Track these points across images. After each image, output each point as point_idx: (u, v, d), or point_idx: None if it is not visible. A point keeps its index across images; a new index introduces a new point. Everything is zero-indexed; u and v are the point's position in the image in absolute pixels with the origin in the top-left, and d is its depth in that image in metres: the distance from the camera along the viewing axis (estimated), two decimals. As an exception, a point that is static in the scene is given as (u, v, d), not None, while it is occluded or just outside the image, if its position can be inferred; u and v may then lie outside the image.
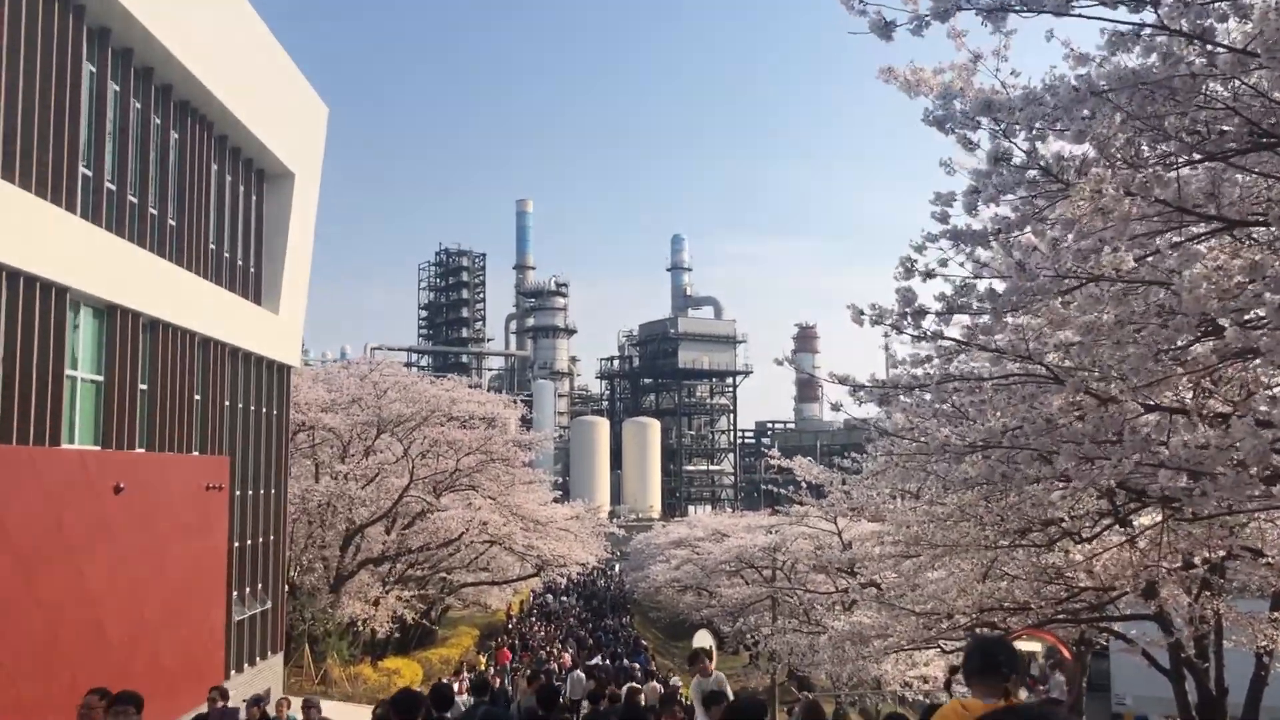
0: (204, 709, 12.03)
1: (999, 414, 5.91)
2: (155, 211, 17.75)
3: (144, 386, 17.15)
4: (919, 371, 5.93)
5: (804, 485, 20.66)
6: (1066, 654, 9.30)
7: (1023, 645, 10.57)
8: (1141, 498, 9.72)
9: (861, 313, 5.51)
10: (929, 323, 5.04)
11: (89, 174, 15.49)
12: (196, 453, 19.17)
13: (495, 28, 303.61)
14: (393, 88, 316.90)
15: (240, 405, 21.59)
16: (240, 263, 21.78)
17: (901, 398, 6.30)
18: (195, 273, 19.02)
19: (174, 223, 18.51)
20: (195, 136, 19.31)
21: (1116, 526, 9.73)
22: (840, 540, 20.66)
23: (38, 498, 13.21)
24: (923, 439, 7.18)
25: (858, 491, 16.01)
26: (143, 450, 17.00)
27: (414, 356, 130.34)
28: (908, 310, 4.97)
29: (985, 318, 5.22)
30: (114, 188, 16.27)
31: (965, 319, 5.48)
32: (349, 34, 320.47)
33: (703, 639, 22.76)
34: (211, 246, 20.17)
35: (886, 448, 9.24)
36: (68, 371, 14.63)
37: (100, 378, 15.80)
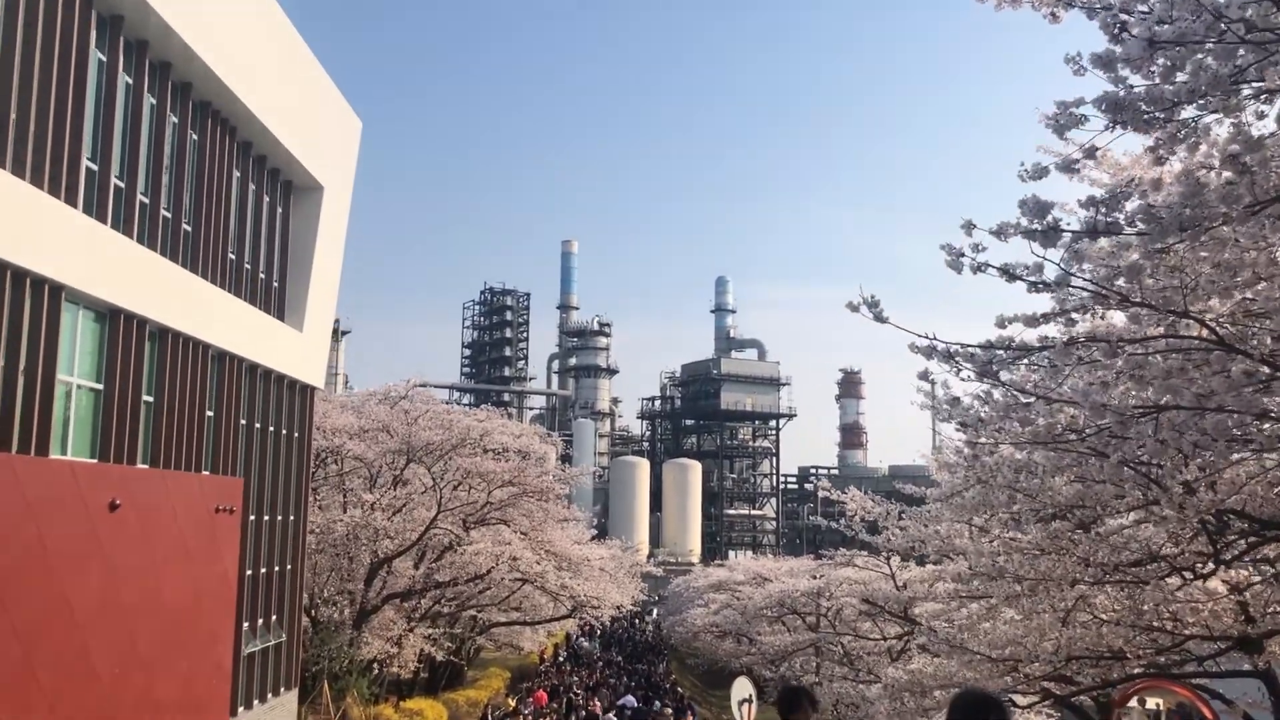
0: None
1: (1130, 391, 4.51)
2: (169, 214, 16.80)
3: (149, 398, 16.09)
4: (1030, 336, 4.55)
5: (855, 526, 18.97)
6: (1209, 714, 7.78)
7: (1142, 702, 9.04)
8: (1263, 530, 8.20)
9: (960, 255, 4.17)
10: (1058, 255, 3.67)
11: (94, 168, 14.56)
12: (207, 472, 18.07)
13: (534, 77, 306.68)
14: (438, 129, 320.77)
15: (258, 425, 20.52)
16: (262, 276, 20.82)
17: (1000, 377, 4.90)
18: (211, 282, 18.04)
19: (189, 228, 17.57)
20: (216, 140, 18.42)
21: (1235, 562, 8.22)
22: (894, 581, 19.07)
23: (16, 510, 12.08)
24: (1029, 425, 5.75)
25: (916, 527, 14.52)
26: (145, 466, 15.90)
27: (456, 394, 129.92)
28: (1036, 227, 3.61)
29: (1133, 255, 3.84)
30: (122, 185, 15.34)
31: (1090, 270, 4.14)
32: (389, 73, 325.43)
33: (743, 687, 21.15)
34: (231, 256, 19.21)
35: (970, 458, 7.80)
36: (61, 376, 13.59)
37: (99, 386, 14.75)
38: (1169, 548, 9.31)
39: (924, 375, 4.95)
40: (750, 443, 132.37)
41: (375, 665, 29.90)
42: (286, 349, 21.45)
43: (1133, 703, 8.96)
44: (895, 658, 25.03)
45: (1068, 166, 3.62)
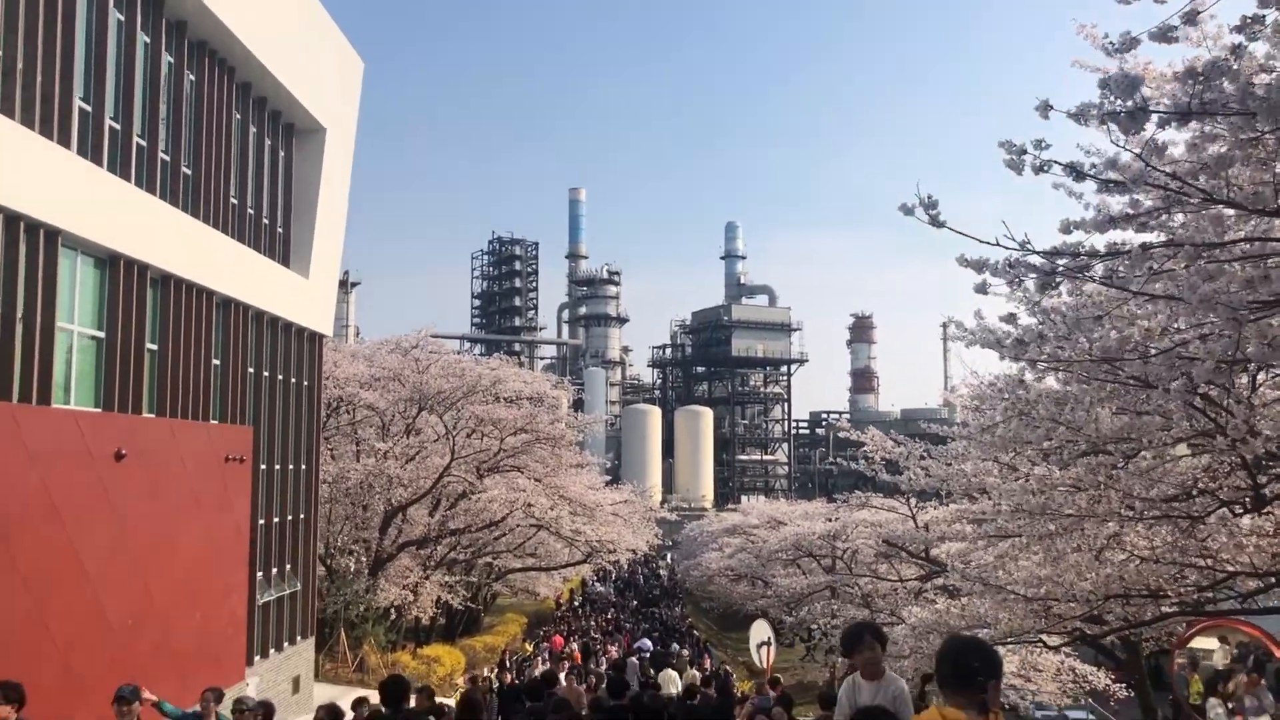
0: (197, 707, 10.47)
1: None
2: (167, 158, 16.33)
3: (153, 346, 15.75)
4: (1097, 242, 4.11)
5: (874, 466, 18.55)
6: (1278, 653, 7.46)
7: (1201, 643, 8.71)
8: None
9: (1021, 152, 3.72)
10: (1144, 143, 3.22)
11: (87, 108, 14.08)
12: (215, 422, 17.79)
13: (545, 16, 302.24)
14: (441, 75, 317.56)
15: (266, 373, 20.20)
16: (266, 221, 20.38)
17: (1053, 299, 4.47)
18: (213, 227, 17.61)
19: (189, 172, 17.11)
20: (214, 81, 17.88)
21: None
22: (915, 522, 18.78)
23: (18, 460, 11.80)
24: (1095, 342, 5.32)
25: (939, 466, 14.16)
26: (151, 416, 15.60)
27: (467, 345, 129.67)
28: (1123, 108, 3.17)
29: (1221, 147, 3.39)
30: (117, 127, 14.85)
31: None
32: (391, 14, 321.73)
33: (760, 629, 21.00)
34: (233, 201, 18.76)
35: (1014, 385, 7.38)
36: (61, 324, 13.24)
37: (101, 334, 14.40)
38: (1205, 483, 8.94)
39: (980, 288, 4.52)
40: (761, 389, 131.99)
41: (392, 612, 29.93)
42: (293, 296, 21.07)
43: (1195, 643, 8.64)
44: (917, 596, 24.81)
45: (1163, 35, 3.17)
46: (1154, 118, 3.19)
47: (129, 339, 14.83)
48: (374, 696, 14.88)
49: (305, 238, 21.88)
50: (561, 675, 17.94)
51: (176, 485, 15.60)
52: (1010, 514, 10.29)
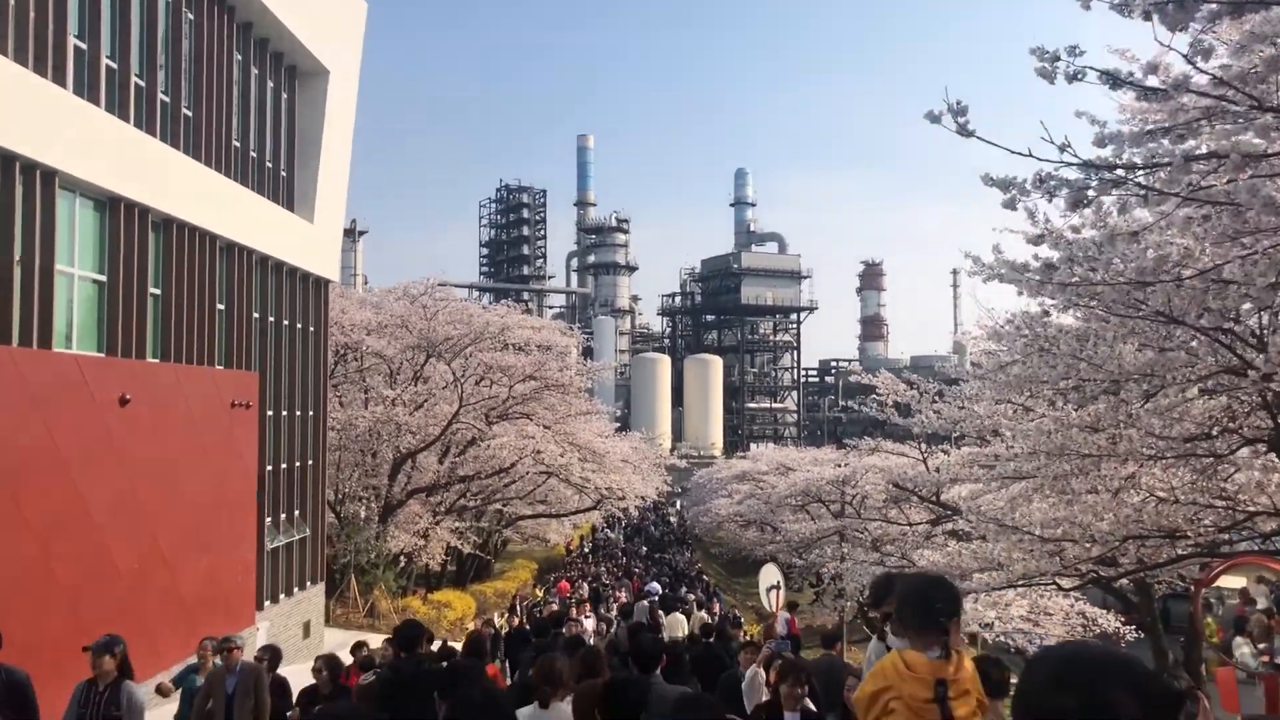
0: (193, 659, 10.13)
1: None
2: (166, 98, 16.02)
3: (156, 291, 15.56)
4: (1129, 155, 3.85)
5: (885, 410, 18.34)
6: None
7: (1228, 581, 8.56)
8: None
9: (1055, 59, 3.46)
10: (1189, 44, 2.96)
11: (82, 46, 13.76)
12: (221, 367, 17.65)
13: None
14: (450, 19, 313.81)
15: (272, 319, 20.03)
16: (269, 165, 20.08)
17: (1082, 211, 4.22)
18: (215, 170, 17.34)
19: (190, 113, 16.80)
20: (215, 21, 17.50)
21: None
22: (926, 466, 18.63)
23: (20, 404, 11.68)
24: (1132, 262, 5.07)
25: (951, 409, 13.98)
26: (155, 361, 15.46)
27: (475, 294, 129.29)
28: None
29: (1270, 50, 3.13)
30: (114, 66, 14.53)
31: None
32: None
33: (770, 574, 20.96)
34: (235, 144, 18.46)
35: (1039, 317, 7.13)
36: (60, 267, 13.04)
37: (102, 277, 14.20)
38: (1225, 422, 8.74)
39: (1010, 204, 4.25)
40: (771, 337, 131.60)
41: (402, 559, 30.05)
42: (298, 241, 20.83)
43: (1221, 581, 8.49)
44: (928, 539, 24.72)
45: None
46: (1203, 10, 2.93)
47: (131, 283, 14.64)
48: (375, 641, 14.95)
49: (309, 182, 21.59)
50: (584, 619, 17.87)
51: (182, 431, 15.52)
52: (1025, 456, 10.11)
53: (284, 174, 20.73)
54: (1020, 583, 10.63)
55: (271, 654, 9.66)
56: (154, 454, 14.57)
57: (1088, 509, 8.90)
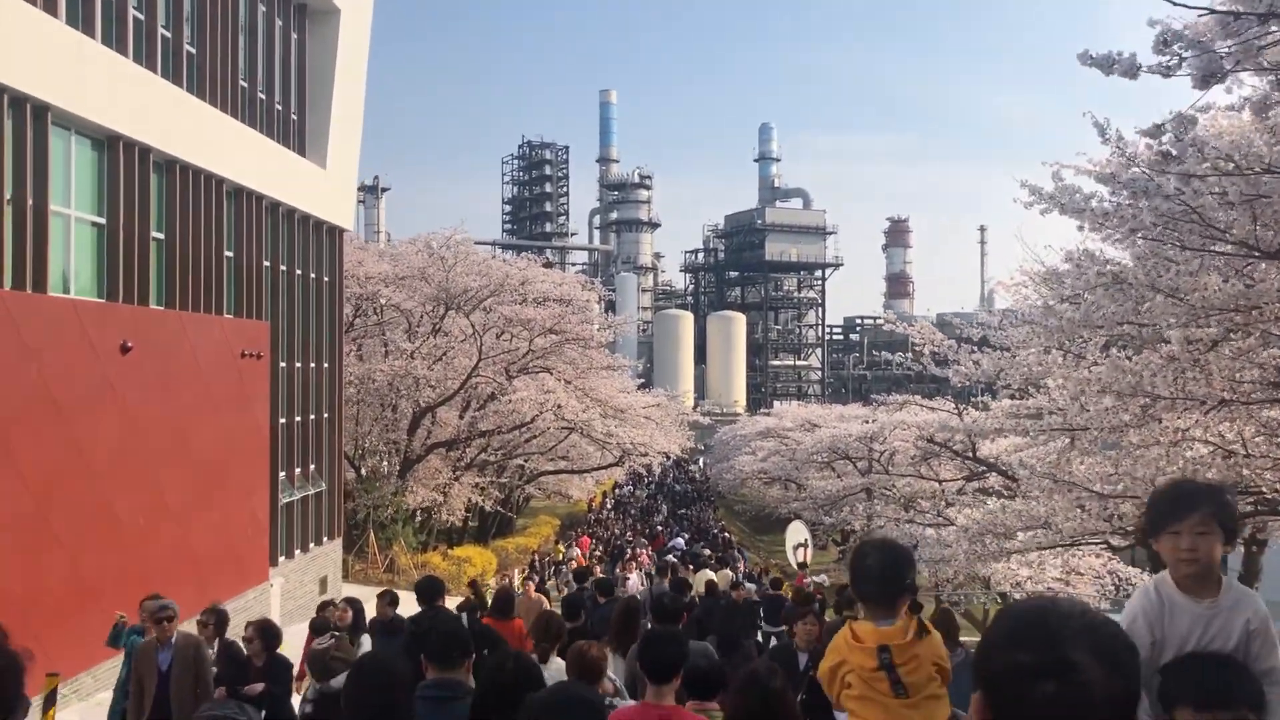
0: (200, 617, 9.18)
1: None
2: (168, 34, 15.30)
3: (159, 235, 14.94)
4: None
5: (922, 361, 17.33)
6: None
7: None
8: None
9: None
10: None
11: (75, -25, 13.06)
12: (230, 316, 17.07)
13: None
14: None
15: (283, 268, 19.42)
16: (279, 107, 19.36)
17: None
18: (221, 110, 16.64)
19: (193, 50, 16.08)
20: (217, -47, 16.71)
21: None
22: (961, 419, 17.88)
23: (12, 350, 11.10)
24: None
25: (992, 360, 13.18)
26: (159, 308, 14.87)
27: (498, 250, 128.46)
28: None
29: None
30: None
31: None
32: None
33: (798, 532, 20.44)
34: (242, 84, 17.75)
35: (1127, 224, 6.36)
36: (56, 208, 12.42)
37: (102, 220, 13.58)
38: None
39: (1128, 69, 3.50)
40: (795, 293, 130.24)
41: (423, 514, 29.67)
42: (310, 187, 20.15)
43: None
44: (958, 494, 24.01)
45: None
46: None
47: (132, 226, 14.02)
48: (405, 596, 14.47)
49: (321, 126, 20.87)
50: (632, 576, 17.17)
51: (189, 380, 14.96)
52: (1078, 406, 9.36)
53: (294, 117, 20.02)
54: (1068, 542, 9.92)
55: (217, 619, 8.18)
56: (158, 404, 14.02)
57: (1150, 463, 8.17)
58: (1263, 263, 6.70)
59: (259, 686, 7.44)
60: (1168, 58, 3.21)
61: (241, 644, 7.90)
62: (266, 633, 7.73)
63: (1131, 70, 3.44)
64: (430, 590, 7.72)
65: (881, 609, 3.26)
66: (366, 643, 8.75)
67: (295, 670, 8.55)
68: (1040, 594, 22.33)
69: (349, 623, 9.42)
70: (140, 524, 13.49)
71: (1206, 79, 3.33)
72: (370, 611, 9.64)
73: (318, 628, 8.96)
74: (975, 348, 14.04)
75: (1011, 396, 14.13)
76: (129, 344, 13.15)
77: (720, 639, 7.65)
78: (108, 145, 13.59)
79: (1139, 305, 6.79)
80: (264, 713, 7.16)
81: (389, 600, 8.96)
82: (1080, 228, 7.50)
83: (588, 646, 4.76)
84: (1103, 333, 9.31)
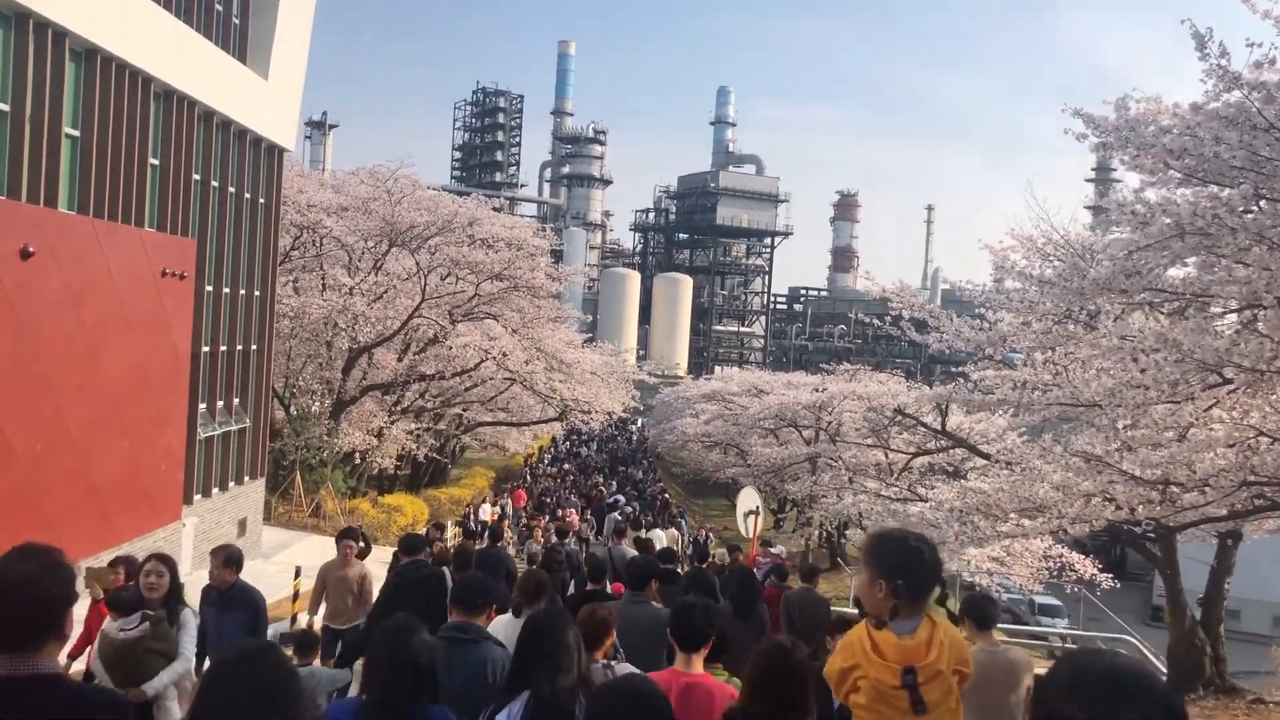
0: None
1: None
2: (94, -94, 13.64)
3: (73, 131, 13.38)
4: None
5: (903, 327, 16.05)
6: None
7: None
8: None
9: None
10: None
11: None
12: (151, 230, 15.55)
13: None
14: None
15: (215, 183, 17.86)
16: (219, 8, 17.72)
17: None
18: (154, 1, 15.02)
19: (122, -72, 14.43)
20: None
21: None
22: (929, 389, 17.09)
23: (-115, 241, 9.64)
24: None
25: (972, 331, 12.26)
26: (70, 212, 13.35)
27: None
28: None
29: None
30: None
31: None
32: None
33: (749, 498, 19.51)
34: (178, -24, 16.12)
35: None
36: (-52, 85, 10.89)
37: (5, 106, 12.03)
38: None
39: None
40: (743, 260, 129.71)
41: (354, 458, 28.33)
42: (249, 98, 18.57)
43: None
44: (899, 473, 23.36)
45: None
46: None
47: (40, 117, 12.47)
48: (328, 543, 13.24)
49: (265, 34, 19.24)
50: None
51: (100, 295, 13.48)
52: (1094, 379, 8.45)
53: (236, 20, 18.38)
54: (1069, 528, 9.06)
55: (127, 565, 6.91)
56: (62, 318, 12.57)
57: (1194, 448, 7.29)
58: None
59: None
60: None
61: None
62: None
63: None
64: (412, 545, 8.41)
65: (916, 606, 3.10)
66: (191, 624, 6.27)
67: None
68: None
69: (145, 592, 6.25)
70: (36, 449, 12.09)
71: None
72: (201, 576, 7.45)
73: (115, 603, 6.14)
74: (985, 306, 13.07)
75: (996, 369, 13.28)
76: (30, 248, 11.67)
77: (735, 606, 7.03)
78: (15, 23, 12.00)
79: (1180, 253, 5.82)
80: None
81: (225, 559, 6.94)
82: (1139, 169, 6.51)
83: (595, 608, 4.66)
84: (1125, 297, 8.40)
